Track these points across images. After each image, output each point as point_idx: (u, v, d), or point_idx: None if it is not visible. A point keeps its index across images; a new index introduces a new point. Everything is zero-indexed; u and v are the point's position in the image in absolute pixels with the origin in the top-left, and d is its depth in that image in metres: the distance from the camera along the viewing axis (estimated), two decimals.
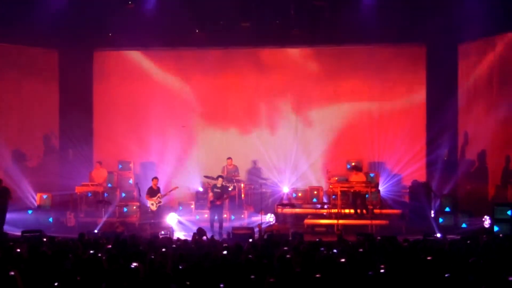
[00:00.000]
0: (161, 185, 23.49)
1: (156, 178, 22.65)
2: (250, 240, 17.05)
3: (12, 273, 9.52)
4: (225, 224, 22.37)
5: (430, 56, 24.72)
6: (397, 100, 25.28)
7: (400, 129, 24.89)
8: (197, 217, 23.40)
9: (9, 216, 22.13)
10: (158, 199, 22.20)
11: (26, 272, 10.37)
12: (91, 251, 12.90)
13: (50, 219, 23.12)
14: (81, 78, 26.17)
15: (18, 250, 13.32)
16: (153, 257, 12.21)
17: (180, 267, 10.91)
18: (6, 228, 20.76)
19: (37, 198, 23.96)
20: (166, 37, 25.18)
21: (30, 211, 23.52)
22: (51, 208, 23.45)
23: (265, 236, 17.00)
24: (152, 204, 22.25)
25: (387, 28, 23.91)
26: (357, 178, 22.46)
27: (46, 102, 26.03)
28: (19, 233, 19.17)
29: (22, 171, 24.54)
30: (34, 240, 16.19)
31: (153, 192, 22.32)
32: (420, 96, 25.02)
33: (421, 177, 24.27)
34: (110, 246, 14.43)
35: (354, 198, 22.38)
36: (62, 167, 25.20)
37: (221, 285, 9.73)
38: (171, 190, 22.70)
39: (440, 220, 21.81)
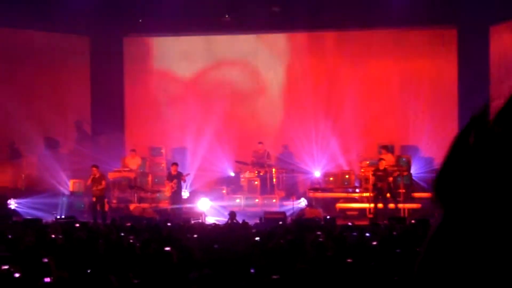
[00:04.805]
0: (192, 170, 23.64)
1: (175, 164, 22.64)
2: (279, 223, 17.11)
3: (46, 260, 9.61)
4: (256, 209, 22.43)
5: (461, 38, 24.51)
6: (429, 83, 25.09)
7: (432, 112, 24.73)
8: (229, 202, 23.44)
9: (43, 201, 22.38)
10: (173, 185, 22.21)
11: (61, 257, 10.47)
12: (124, 237, 12.99)
13: (82, 205, 23.29)
14: (112, 64, 26.29)
15: (53, 236, 13.46)
16: (185, 242, 12.27)
17: (212, 252, 10.95)
18: (40, 214, 20.95)
19: (70, 184, 24.14)
20: (196, 22, 25.16)
21: (63, 197, 23.71)
22: (84, 194, 23.60)
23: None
24: (167, 189, 22.35)
25: (417, 10, 23.76)
26: (386, 159, 22.43)
27: (78, 88, 26.20)
28: (53, 219, 19.37)
29: (56, 158, 24.74)
30: (68, 225, 16.34)
31: (170, 177, 22.37)
32: (451, 79, 24.83)
33: None
34: (143, 231, 14.53)
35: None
36: (94, 153, 25.31)
37: (252, 270, 9.74)
38: (184, 177, 22.60)
39: None
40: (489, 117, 1.29)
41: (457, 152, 1.24)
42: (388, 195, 21.31)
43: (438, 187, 1.24)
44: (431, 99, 24.98)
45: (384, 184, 21.19)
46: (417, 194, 22.69)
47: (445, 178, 1.23)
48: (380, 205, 21.06)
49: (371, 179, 21.66)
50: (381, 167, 21.49)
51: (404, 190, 22.02)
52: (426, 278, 1.22)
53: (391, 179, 21.37)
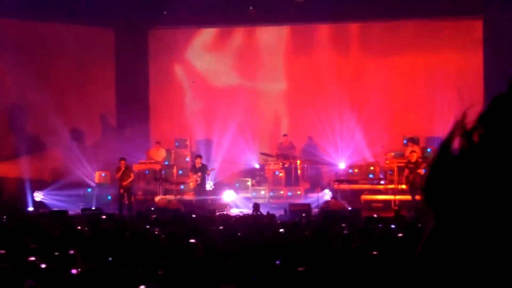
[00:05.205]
0: (217, 161, 23.68)
1: (199, 156, 22.73)
2: (304, 214, 17.09)
3: (72, 251, 9.69)
4: (281, 201, 22.43)
5: (487, 29, 24.30)
6: (454, 74, 24.86)
7: (458, 104, 24.52)
8: (254, 193, 23.43)
9: (69, 193, 22.56)
10: (197, 178, 22.24)
11: (86, 248, 10.54)
12: (149, 229, 13.05)
13: (109, 197, 23.41)
14: (137, 57, 26.32)
15: (79, 227, 13.56)
16: (210, 233, 12.31)
17: (237, 244, 10.97)
18: (66, 206, 21.10)
19: (95, 176, 24.28)
20: (220, 14, 25.14)
21: (89, 189, 23.87)
22: (110, 186, 23.73)
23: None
24: (191, 182, 22.40)
25: (443, 1, 23.58)
26: (411, 150, 22.34)
27: (103, 80, 26.27)
28: (79, 211, 19.50)
29: (81, 150, 24.87)
30: (94, 217, 16.44)
31: (195, 169, 22.42)
32: (477, 70, 24.62)
33: None
34: (168, 223, 14.59)
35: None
36: (119, 145, 25.40)
37: (277, 262, 9.75)
38: (208, 171, 22.70)
39: None
40: (470, 121, 1.30)
41: (442, 158, 1.26)
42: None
43: (426, 193, 1.26)
44: (456, 90, 24.77)
45: (417, 176, 21.10)
46: None
47: (432, 185, 1.25)
48: (418, 197, 21.00)
49: (405, 171, 21.55)
50: (413, 159, 21.41)
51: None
52: (421, 280, 1.25)
53: (421, 171, 21.26)
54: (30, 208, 21.94)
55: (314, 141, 25.64)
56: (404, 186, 22.03)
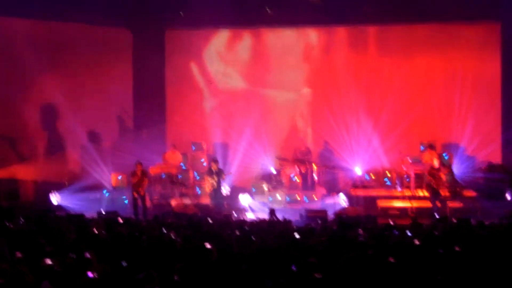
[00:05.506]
0: (233, 165, 23.65)
1: (215, 160, 22.51)
2: (319, 221, 17.03)
3: (88, 254, 9.70)
4: (297, 206, 22.36)
5: (505, 33, 24.18)
6: (472, 79, 24.75)
7: (475, 110, 24.42)
8: (270, 198, 23.38)
9: (85, 196, 22.60)
10: (213, 182, 22.02)
11: (102, 252, 10.55)
12: (166, 232, 13.05)
13: (126, 200, 23.39)
14: (154, 58, 26.35)
15: (95, 230, 13.57)
16: (225, 238, 12.29)
17: (252, 249, 10.95)
18: (83, 209, 21.10)
19: (112, 179, 24.25)
20: (237, 16, 25.14)
21: (105, 192, 23.87)
22: (126, 189, 23.70)
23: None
24: (207, 186, 22.20)
25: (461, 5, 23.49)
26: (429, 156, 22.22)
27: (120, 82, 26.28)
28: (95, 214, 19.50)
29: (98, 151, 24.91)
30: (110, 220, 16.43)
31: (210, 173, 22.18)
32: (495, 75, 24.52)
33: (496, 156, 23.83)
34: (184, 227, 14.58)
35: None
36: (136, 147, 25.40)
37: (293, 267, 9.72)
38: (224, 175, 22.55)
39: None
40: None
41: None
42: (443, 193, 21.16)
43: None
44: (474, 96, 24.69)
45: (439, 181, 20.98)
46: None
47: None
48: (438, 204, 20.88)
49: (427, 177, 21.41)
50: (436, 166, 21.25)
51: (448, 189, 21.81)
52: None
53: (443, 176, 21.13)
54: (47, 211, 21.97)
55: (331, 146, 25.58)
56: (421, 193, 21.94)
